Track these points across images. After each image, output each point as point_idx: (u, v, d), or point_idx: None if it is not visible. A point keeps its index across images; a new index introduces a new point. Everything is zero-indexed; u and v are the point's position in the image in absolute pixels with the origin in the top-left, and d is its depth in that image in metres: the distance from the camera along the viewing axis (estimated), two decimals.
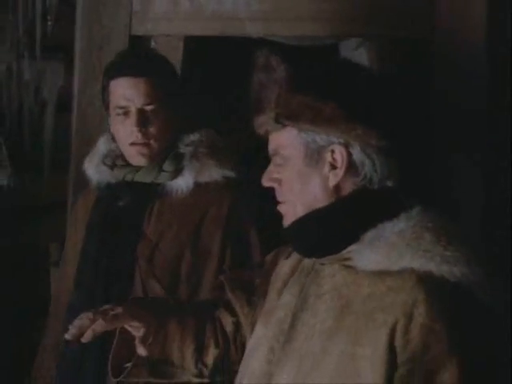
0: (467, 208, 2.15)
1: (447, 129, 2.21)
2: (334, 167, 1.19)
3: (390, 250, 1.11)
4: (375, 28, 2.24)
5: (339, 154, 1.18)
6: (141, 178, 1.82)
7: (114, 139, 1.89)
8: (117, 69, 1.80)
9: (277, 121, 1.22)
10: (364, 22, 2.22)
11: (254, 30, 2.24)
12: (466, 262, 1.09)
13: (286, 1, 2.23)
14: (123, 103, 1.77)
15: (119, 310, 1.39)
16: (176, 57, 2.31)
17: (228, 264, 1.81)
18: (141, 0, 2.31)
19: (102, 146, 1.93)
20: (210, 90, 2.55)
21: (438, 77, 2.25)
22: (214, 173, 1.82)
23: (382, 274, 1.11)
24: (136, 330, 1.41)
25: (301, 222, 1.22)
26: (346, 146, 1.17)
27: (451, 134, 2.20)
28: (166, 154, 1.83)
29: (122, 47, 2.32)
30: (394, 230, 1.13)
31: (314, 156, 1.19)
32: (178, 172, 1.81)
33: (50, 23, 2.40)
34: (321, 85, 1.20)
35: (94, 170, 1.89)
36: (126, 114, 1.78)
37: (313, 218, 1.21)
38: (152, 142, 1.79)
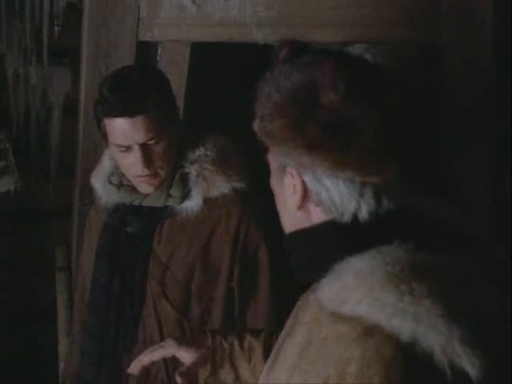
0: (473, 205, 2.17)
1: (453, 130, 2.22)
2: (295, 191, 1.05)
3: (340, 289, 0.95)
4: (381, 33, 2.25)
5: (295, 179, 1.03)
6: (149, 203, 1.77)
7: None
8: (111, 109, 1.66)
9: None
10: (370, 27, 2.23)
11: (261, 36, 2.24)
12: (427, 319, 0.88)
13: (293, 7, 2.23)
14: (125, 143, 1.68)
15: (168, 341, 1.38)
16: (183, 63, 2.32)
17: (236, 281, 1.78)
18: (148, 6, 2.32)
19: (106, 162, 1.86)
20: (216, 95, 2.56)
21: (443, 80, 2.26)
22: (222, 187, 1.75)
23: (337, 317, 0.95)
24: (185, 359, 1.38)
25: (288, 239, 1.12)
26: (298, 171, 1.03)
27: (458, 135, 2.22)
28: (172, 176, 1.76)
29: (129, 53, 2.33)
30: (352, 267, 0.96)
31: (280, 174, 1.07)
32: (185, 195, 1.75)
33: (57, 29, 2.40)
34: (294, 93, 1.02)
35: (101, 188, 1.84)
36: (128, 149, 1.69)
37: (292, 239, 1.10)
38: (159, 170, 1.73)
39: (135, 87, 1.68)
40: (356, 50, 2.28)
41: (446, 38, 2.24)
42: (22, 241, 2.60)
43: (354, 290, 0.93)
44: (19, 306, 2.62)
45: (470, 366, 0.86)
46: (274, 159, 1.08)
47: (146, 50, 2.36)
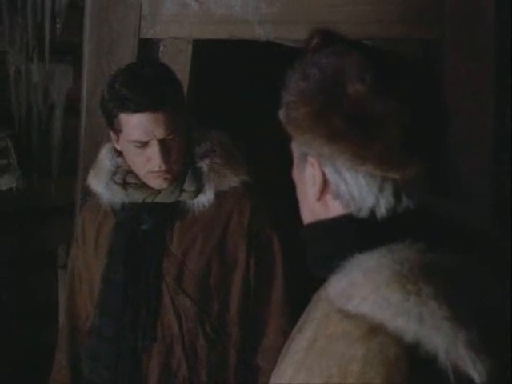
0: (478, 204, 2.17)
1: (457, 128, 2.22)
2: (314, 182, 1.03)
3: (347, 286, 0.94)
4: (383, 31, 2.25)
5: (315, 169, 1.01)
6: (162, 199, 1.78)
7: (118, 153, 1.82)
8: (132, 104, 1.67)
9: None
10: (372, 24, 2.23)
11: (262, 33, 2.24)
12: (432, 321, 0.86)
13: (295, 4, 2.24)
14: (144, 138, 1.69)
15: None
16: (185, 60, 2.32)
17: (253, 273, 1.81)
18: (150, 3, 2.32)
19: (107, 161, 1.84)
20: (218, 92, 2.56)
21: (446, 78, 2.26)
22: (231, 181, 1.79)
23: (344, 314, 0.92)
24: None
25: (305, 231, 1.10)
26: (319, 161, 1.00)
27: (461, 134, 2.22)
28: (184, 171, 1.78)
29: (131, 50, 2.33)
30: (361, 264, 0.94)
31: (301, 164, 1.05)
32: (199, 190, 1.77)
33: (58, 26, 2.39)
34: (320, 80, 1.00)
35: (104, 188, 1.82)
36: (145, 144, 1.70)
37: (308, 231, 1.09)
38: (173, 166, 1.74)
39: (154, 83, 1.70)
40: None
41: (448, 36, 2.24)
42: (24, 239, 2.59)
43: (360, 288, 0.92)
44: (21, 305, 2.62)
45: (474, 371, 0.84)
46: (296, 148, 1.06)
47: (148, 48, 2.36)
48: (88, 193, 1.92)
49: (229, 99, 2.74)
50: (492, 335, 0.88)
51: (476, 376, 0.84)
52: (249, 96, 2.67)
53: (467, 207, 2.05)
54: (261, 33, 2.24)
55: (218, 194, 1.78)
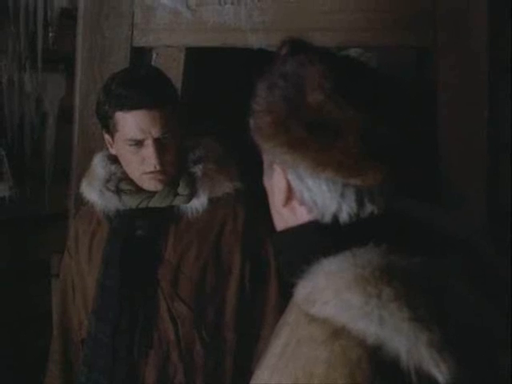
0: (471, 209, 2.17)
1: (451, 135, 2.23)
2: (280, 189, 1.05)
3: (311, 291, 0.95)
4: (375, 38, 2.25)
5: (280, 176, 1.03)
6: (156, 203, 1.79)
7: (111, 160, 1.84)
8: (129, 101, 1.69)
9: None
10: (364, 32, 2.23)
11: (255, 41, 2.25)
12: (392, 323, 0.87)
13: (287, 12, 2.24)
14: (139, 136, 1.71)
15: None
16: (177, 68, 2.32)
17: (248, 279, 1.81)
18: (142, 12, 2.32)
19: (100, 169, 1.85)
20: (210, 100, 2.56)
21: (439, 85, 2.26)
22: (225, 187, 1.81)
23: (311, 318, 0.94)
24: None
25: (275, 238, 1.13)
26: (283, 169, 1.02)
27: (455, 140, 2.22)
28: (178, 175, 1.79)
29: (124, 59, 2.33)
30: (324, 269, 0.95)
31: (269, 171, 1.07)
32: (193, 194, 1.79)
33: (51, 35, 2.40)
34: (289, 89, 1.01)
35: (98, 195, 1.82)
36: (140, 144, 1.72)
37: (279, 238, 1.11)
38: (168, 167, 1.75)
39: (150, 82, 1.73)
40: (350, 54, 2.29)
41: (440, 42, 2.24)
42: (18, 248, 2.58)
43: (323, 292, 0.93)
44: (15, 314, 2.61)
45: (437, 371, 0.84)
46: (264, 156, 1.09)
47: (140, 56, 2.37)
48: (81, 201, 1.91)
49: (222, 105, 2.74)
50: (464, 340, 0.88)
51: (439, 376, 0.84)
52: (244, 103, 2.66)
53: (459, 213, 2.06)
54: (253, 41, 2.25)
55: (212, 200, 1.80)
